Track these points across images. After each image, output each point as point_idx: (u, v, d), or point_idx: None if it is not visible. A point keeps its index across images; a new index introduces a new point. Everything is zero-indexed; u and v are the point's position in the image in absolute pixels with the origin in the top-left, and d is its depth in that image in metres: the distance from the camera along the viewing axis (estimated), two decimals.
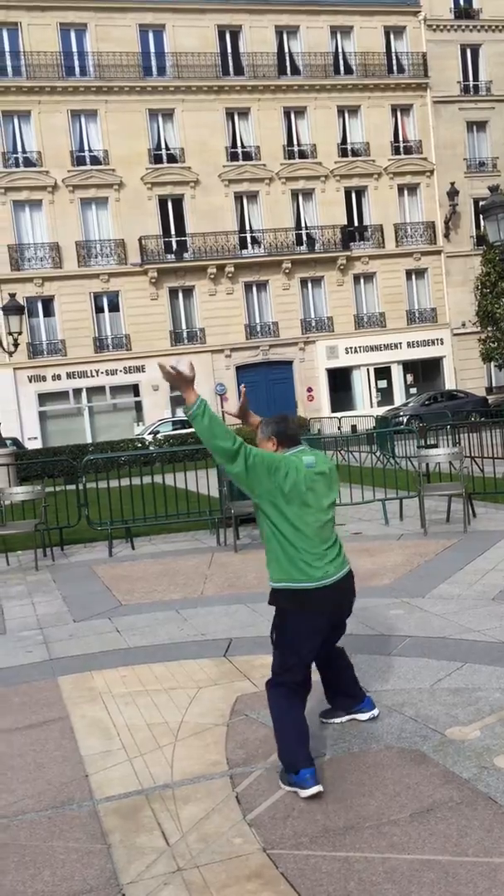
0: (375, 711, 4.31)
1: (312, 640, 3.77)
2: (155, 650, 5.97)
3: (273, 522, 3.73)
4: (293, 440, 3.93)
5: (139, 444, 27.31)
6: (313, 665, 3.95)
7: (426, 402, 30.83)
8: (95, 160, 32.24)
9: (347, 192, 35.12)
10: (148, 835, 3.38)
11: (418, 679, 4.84)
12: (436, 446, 13.76)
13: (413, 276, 36.13)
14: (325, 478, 3.85)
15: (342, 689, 4.28)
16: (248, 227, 34.08)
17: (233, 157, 33.75)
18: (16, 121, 31.38)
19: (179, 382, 3.63)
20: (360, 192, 35.41)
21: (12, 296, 20.86)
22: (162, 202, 32.92)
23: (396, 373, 35.71)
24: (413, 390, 35.40)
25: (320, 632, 3.80)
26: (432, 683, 4.75)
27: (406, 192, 35.98)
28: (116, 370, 32.33)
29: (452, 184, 35.43)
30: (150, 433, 29.12)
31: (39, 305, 31.69)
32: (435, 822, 3.27)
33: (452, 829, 3.20)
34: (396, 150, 35.78)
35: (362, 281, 35.45)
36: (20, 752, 4.36)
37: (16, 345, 19.71)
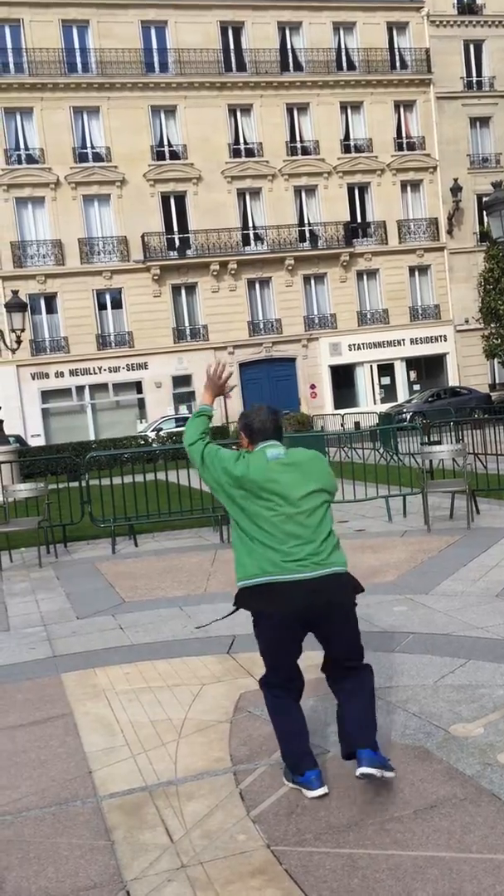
0: (374, 772, 3.42)
1: (282, 644, 3.54)
2: (158, 647, 5.97)
3: (233, 517, 3.60)
4: (260, 433, 3.68)
5: (142, 442, 27.31)
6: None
7: (429, 399, 30.80)
8: (98, 157, 32.23)
9: (350, 189, 35.07)
10: (152, 831, 3.39)
11: (422, 676, 4.84)
12: (439, 443, 13.75)
13: (416, 273, 36.08)
14: (295, 469, 3.56)
15: (340, 721, 3.67)
16: (250, 224, 34.05)
17: (235, 153, 33.71)
18: (18, 118, 31.37)
19: (210, 383, 3.93)
20: (363, 188, 35.35)
21: (15, 293, 20.86)
22: (164, 199, 32.90)
23: (400, 370, 35.69)
24: (416, 387, 35.38)
25: (290, 635, 3.51)
26: (436, 680, 4.75)
27: (409, 188, 35.92)
28: (119, 367, 32.34)
29: (455, 180, 35.37)
30: (153, 430, 29.13)
31: (42, 302, 31.70)
32: (438, 819, 3.26)
33: (456, 826, 3.20)
34: (399, 147, 35.72)
35: (365, 278, 35.41)
36: (24, 748, 4.36)
37: (18, 342, 19.71)
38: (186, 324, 33.47)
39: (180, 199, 33.13)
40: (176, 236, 33.05)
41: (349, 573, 3.58)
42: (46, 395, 31.76)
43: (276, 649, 3.58)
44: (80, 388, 32.11)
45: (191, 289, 33.38)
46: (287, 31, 34.27)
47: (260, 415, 3.72)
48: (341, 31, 34.91)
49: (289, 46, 34.37)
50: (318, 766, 3.57)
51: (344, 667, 3.60)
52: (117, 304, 32.62)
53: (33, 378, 31.37)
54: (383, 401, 34.39)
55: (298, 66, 34.49)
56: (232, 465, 3.57)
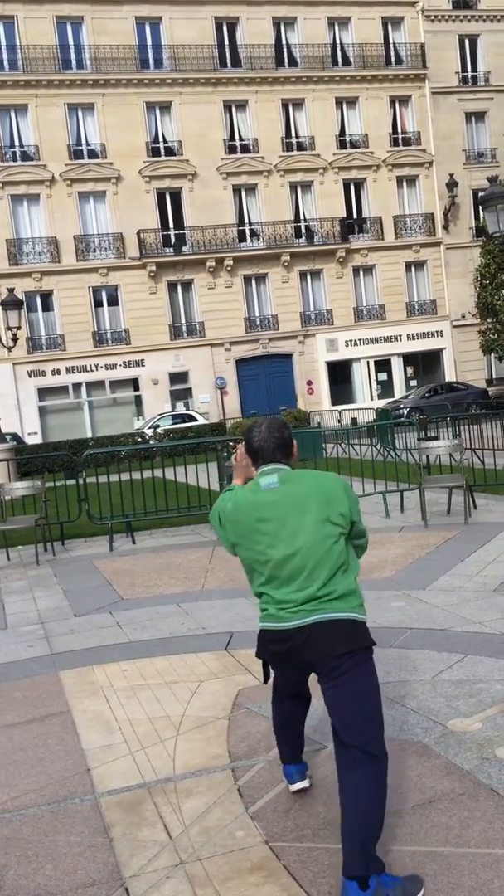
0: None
1: (283, 677, 3.32)
2: (156, 644, 5.97)
3: (243, 564, 3.22)
4: (259, 454, 3.17)
5: (139, 439, 27.30)
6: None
7: (426, 395, 30.81)
8: (93, 154, 32.15)
9: (346, 184, 35.03)
10: (150, 828, 3.39)
11: (420, 671, 4.84)
12: (436, 438, 13.75)
13: (412, 268, 36.06)
14: (291, 498, 3.01)
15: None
16: (246, 220, 34.00)
17: (231, 149, 33.66)
18: (13, 114, 31.28)
19: (238, 469, 3.44)
20: (359, 184, 35.32)
21: (11, 290, 20.83)
22: (160, 195, 32.84)
23: (396, 365, 35.68)
24: (413, 383, 35.38)
25: (288, 676, 3.28)
26: (434, 675, 4.75)
27: (405, 183, 35.89)
28: (116, 364, 32.31)
29: (451, 175, 35.35)
30: (150, 427, 29.12)
31: (38, 300, 31.65)
32: (437, 814, 3.27)
33: (454, 821, 3.21)
34: (395, 142, 35.68)
35: (362, 273, 35.39)
36: (22, 746, 4.36)
37: (15, 340, 19.69)
38: (183, 321, 33.44)
39: (176, 195, 33.08)
40: (172, 233, 33.01)
41: (354, 621, 2.95)
42: (43, 393, 31.72)
43: (284, 680, 3.34)
44: (76, 386, 32.07)
45: (187, 285, 33.34)
46: (282, 27, 34.20)
47: (260, 431, 3.18)
48: (336, 27, 34.84)
49: (283, 42, 34.30)
50: (298, 763, 3.56)
51: (342, 743, 2.90)
52: (113, 302, 32.57)
53: (30, 376, 31.33)
54: (380, 397, 34.39)
55: (293, 62, 34.43)
56: (222, 507, 3.21)
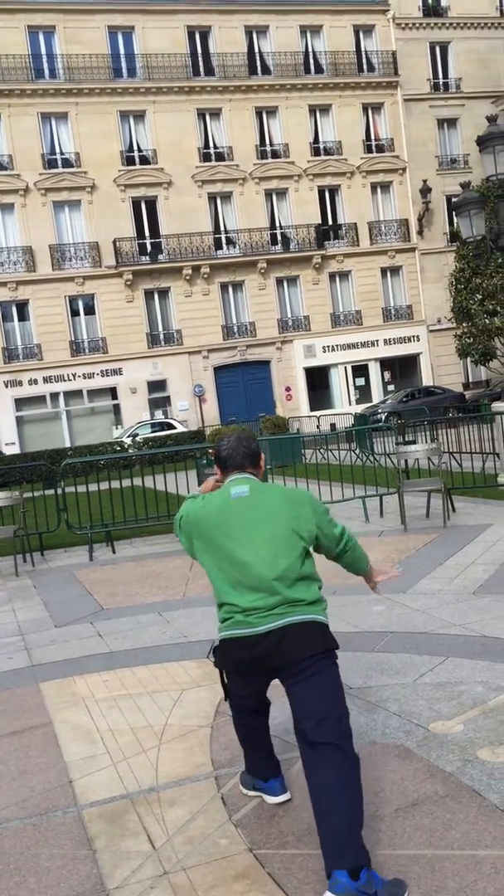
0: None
1: (246, 691, 3.26)
2: (137, 653, 5.95)
3: (206, 571, 3.23)
4: (228, 461, 3.29)
5: (118, 447, 27.21)
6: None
7: (404, 399, 30.97)
8: (67, 163, 32.09)
9: (321, 191, 35.20)
10: (134, 839, 3.37)
11: (401, 674, 4.86)
12: (414, 442, 13.83)
13: (388, 274, 36.28)
14: (259, 508, 3.11)
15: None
16: (222, 228, 34.06)
17: (205, 157, 33.73)
18: None
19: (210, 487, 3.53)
20: (334, 190, 35.50)
21: None
22: (135, 204, 32.82)
23: (374, 370, 35.84)
24: (391, 387, 35.56)
25: (252, 688, 3.24)
26: (415, 679, 4.77)
27: (379, 189, 36.13)
28: (93, 373, 32.20)
29: (425, 181, 35.62)
30: (128, 436, 29.04)
31: (14, 310, 31.50)
32: (420, 817, 3.27)
33: (437, 823, 3.21)
34: (368, 149, 35.92)
35: (338, 279, 35.55)
36: (3, 759, 4.32)
37: None
38: (160, 329, 33.40)
39: (151, 203, 33.08)
40: (148, 241, 32.99)
41: (323, 624, 3.06)
42: (20, 403, 31.54)
43: (246, 695, 3.28)
44: (54, 395, 31.93)
45: (164, 293, 33.32)
46: (254, 35, 34.35)
47: (229, 441, 3.34)
48: (308, 35, 35.05)
49: (256, 50, 34.45)
50: (280, 773, 3.54)
51: (307, 740, 2.93)
52: (90, 311, 32.48)
53: (6, 386, 31.15)
54: (358, 402, 34.52)
55: (266, 70, 34.58)
56: (188, 512, 3.26)
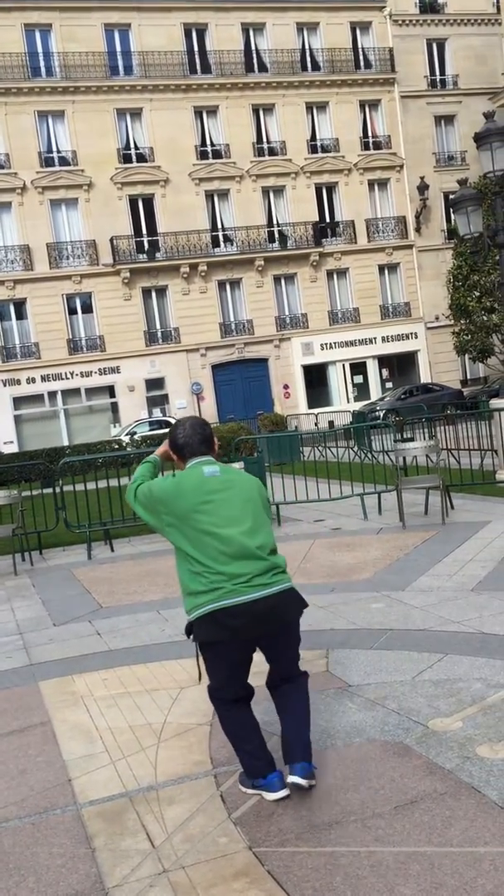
0: (303, 782, 3.47)
1: (235, 667, 3.49)
2: (136, 652, 5.94)
3: (176, 545, 3.47)
4: (186, 448, 3.59)
5: (116, 446, 27.20)
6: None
7: (402, 396, 30.98)
8: (64, 161, 32.05)
9: (318, 189, 35.18)
10: (133, 837, 3.36)
11: (400, 672, 4.86)
12: (412, 440, 13.83)
13: (386, 271, 36.28)
14: (233, 486, 3.48)
15: (282, 730, 3.65)
16: (219, 226, 34.05)
17: (202, 155, 33.70)
18: None
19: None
20: (331, 188, 35.48)
21: None
22: (132, 202, 32.80)
23: (372, 368, 35.85)
24: (389, 385, 35.58)
25: (244, 657, 3.50)
26: (414, 676, 4.76)
27: (376, 187, 36.11)
28: (91, 372, 32.19)
29: (422, 178, 35.62)
30: (126, 434, 29.01)
31: (11, 308, 31.48)
32: (419, 814, 3.27)
33: (437, 821, 3.21)
34: (366, 146, 35.91)
35: (335, 277, 35.54)
36: (2, 758, 4.32)
37: None
38: (158, 327, 33.39)
39: (148, 201, 33.05)
40: (145, 239, 32.96)
41: (295, 588, 3.53)
42: (18, 402, 31.53)
43: (231, 672, 3.49)
44: (52, 394, 31.92)
45: (161, 291, 33.30)
46: (251, 32, 34.32)
47: (184, 428, 3.63)
48: (305, 32, 35.02)
49: (253, 47, 34.42)
50: (277, 769, 3.54)
51: (284, 677, 3.61)
52: (88, 309, 32.46)
53: (4, 385, 31.13)
54: (356, 399, 34.54)
55: (263, 67, 34.55)
56: (159, 489, 3.49)
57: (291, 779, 3.46)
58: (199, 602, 3.35)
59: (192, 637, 3.50)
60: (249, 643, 3.46)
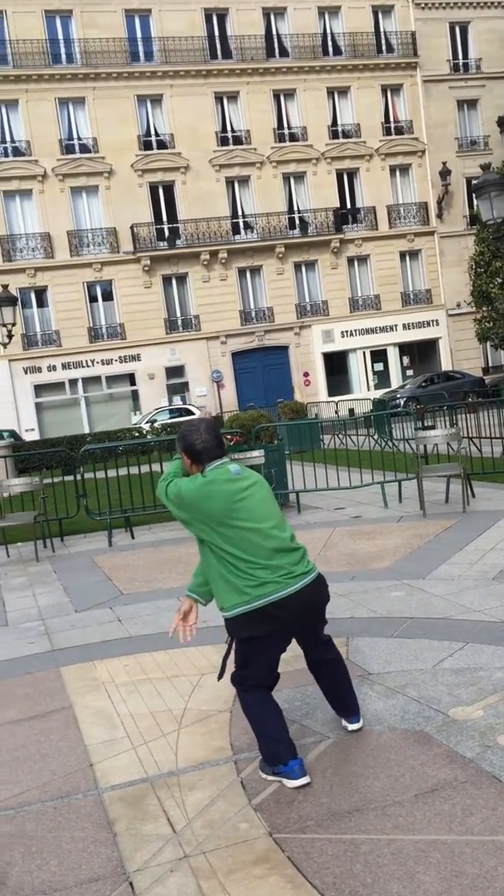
0: (359, 725, 3.97)
1: (275, 658, 3.61)
2: (157, 638, 5.97)
3: (211, 545, 3.50)
4: (206, 453, 3.57)
5: (136, 434, 27.27)
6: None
7: (423, 384, 30.79)
8: (84, 148, 32.04)
9: (339, 175, 34.94)
10: (154, 822, 3.39)
11: (420, 660, 4.85)
12: (433, 428, 13.75)
13: (407, 258, 36.01)
14: (256, 482, 3.58)
15: (333, 698, 3.98)
16: (240, 213, 33.92)
17: (223, 141, 33.55)
18: (3, 110, 31.15)
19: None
20: (352, 173, 35.22)
21: (5, 287, 20.76)
22: (153, 189, 32.75)
23: (392, 355, 35.66)
24: (409, 372, 35.36)
25: (284, 647, 3.63)
26: (434, 664, 4.75)
27: (398, 172, 35.81)
28: (112, 359, 32.26)
29: (444, 163, 35.26)
30: (147, 422, 29.07)
31: (32, 296, 31.58)
32: (440, 803, 3.27)
33: (457, 809, 3.21)
34: (387, 131, 35.58)
35: (356, 263, 35.33)
36: (24, 743, 4.37)
37: (10, 336, 19.64)
38: (178, 314, 33.37)
39: (169, 188, 32.99)
40: (165, 226, 32.91)
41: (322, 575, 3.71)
42: (39, 390, 31.68)
43: (269, 664, 3.60)
44: (73, 382, 32.04)
45: (181, 279, 33.27)
46: (272, 17, 34.05)
47: (200, 434, 3.59)
48: (326, 16, 34.70)
49: (274, 32, 34.15)
50: (299, 756, 3.57)
51: (322, 656, 3.85)
52: (108, 297, 32.50)
53: (26, 372, 31.29)
54: (377, 387, 34.38)
55: (284, 52, 34.29)
56: (189, 493, 3.48)
57: (352, 726, 3.94)
58: (246, 598, 3.42)
59: (232, 635, 3.56)
60: (292, 633, 3.62)
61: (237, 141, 33.73)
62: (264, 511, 3.52)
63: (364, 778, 3.54)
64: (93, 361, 32.01)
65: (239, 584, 3.43)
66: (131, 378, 32.79)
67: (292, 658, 4.05)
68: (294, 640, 3.71)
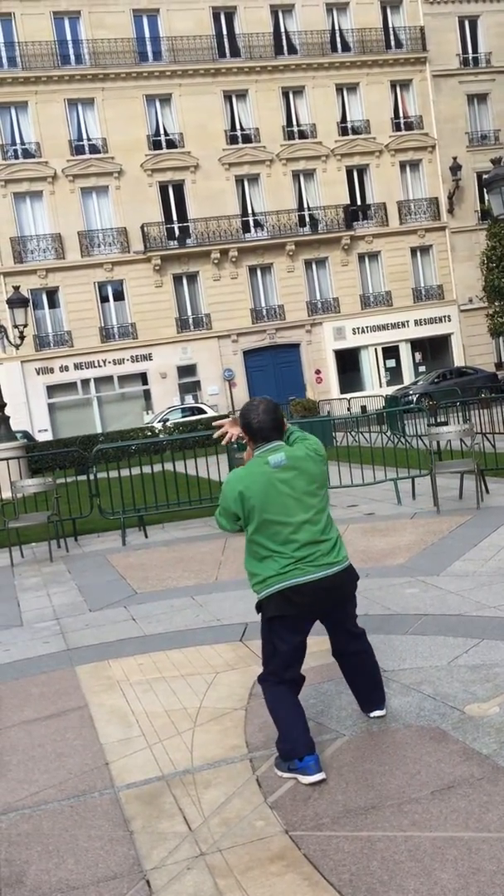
0: (383, 712, 4.09)
1: (299, 646, 3.70)
2: (171, 637, 5.98)
3: (252, 538, 3.66)
4: (260, 433, 3.66)
5: (149, 433, 27.33)
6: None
7: (435, 380, 30.69)
8: (94, 149, 32.10)
9: (349, 171, 34.85)
10: (170, 820, 3.39)
11: (435, 657, 4.83)
12: (446, 424, 13.71)
13: (418, 254, 35.88)
14: (298, 472, 3.61)
15: (354, 689, 4.10)
16: (250, 211, 33.90)
17: (232, 140, 33.53)
18: (13, 112, 31.25)
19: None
20: (362, 170, 35.13)
21: (16, 288, 20.85)
22: (163, 188, 32.77)
23: (405, 351, 35.55)
24: (422, 368, 35.24)
25: (306, 635, 3.72)
26: (450, 661, 4.74)
27: (408, 168, 35.68)
28: (124, 359, 32.32)
29: (455, 158, 35.10)
30: (159, 421, 29.12)
31: (44, 297, 31.68)
32: (456, 799, 3.26)
33: (474, 806, 3.20)
34: (397, 127, 35.45)
35: (367, 260, 35.24)
36: (40, 742, 4.38)
37: (22, 337, 19.70)
38: (189, 313, 33.39)
39: (178, 187, 33.00)
40: (175, 225, 32.94)
41: (351, 564, 3.78)
42: (52, 390, 31.78)
43: (293, 651, 3.68)
44: (85, 382, 32.11)
45: (192, 278, 33.29)
46: (280, 14, 33.99)
47: (258, 413, 3.68)
48: (334, 12, 34.61)
49: (282, 29, 34.09)
50: (315, 752, 3.58)
51: (351, 634, 3.93)
52: (119, 296, 32.56)
53: (38, 373, 31.39)
54: (389, 383, 34.28)
55: (293, 49, 34.22)
56: (229, 499, 3.66)
57: (375, 713, 4.04)
58: (269, 583, 3.59)
59: (260, 615, 3.72)
60: (314, 617, 3.70)
61: (246, 139, 33.71)
62: (298, 502, 3.58)
63: (380, 775, 3.53)
64: (105, 361, 32.08)
65: (260, 571, 3.62)
66: (143, 377, 32.84)
67: (307, 655, 4.04)
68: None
